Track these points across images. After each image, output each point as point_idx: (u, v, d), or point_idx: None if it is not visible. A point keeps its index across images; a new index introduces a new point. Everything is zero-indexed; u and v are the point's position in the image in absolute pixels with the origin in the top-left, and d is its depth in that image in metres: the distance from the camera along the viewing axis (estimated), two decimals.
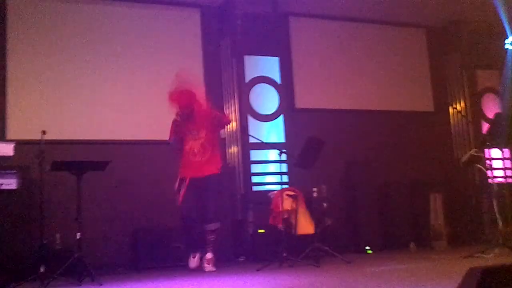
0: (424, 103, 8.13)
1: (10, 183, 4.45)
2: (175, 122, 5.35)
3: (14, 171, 4.55)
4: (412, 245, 6.53)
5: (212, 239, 5.25)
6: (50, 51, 6.12)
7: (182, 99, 5.27)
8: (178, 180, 5.31)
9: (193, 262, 5.27)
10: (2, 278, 4.14)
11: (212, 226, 5.23)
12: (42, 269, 4.33)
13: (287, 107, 6.95)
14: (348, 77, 7.62)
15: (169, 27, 6.78)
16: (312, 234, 5.41)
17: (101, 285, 4.26)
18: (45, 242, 4.67)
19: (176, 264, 5.57)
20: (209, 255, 5.20)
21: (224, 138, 6.68)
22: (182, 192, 5.23)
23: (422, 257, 5.59)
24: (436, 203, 6.85)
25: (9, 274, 4.29)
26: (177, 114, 5.32)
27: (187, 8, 6.89)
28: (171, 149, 5.50)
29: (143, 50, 6.56)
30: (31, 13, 6.09)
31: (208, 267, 5.15)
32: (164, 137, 5.48)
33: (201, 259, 5.27)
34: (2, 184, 4.38)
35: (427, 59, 8.23)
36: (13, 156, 4.43)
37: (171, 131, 5.39)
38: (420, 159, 7.62)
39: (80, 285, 4.30)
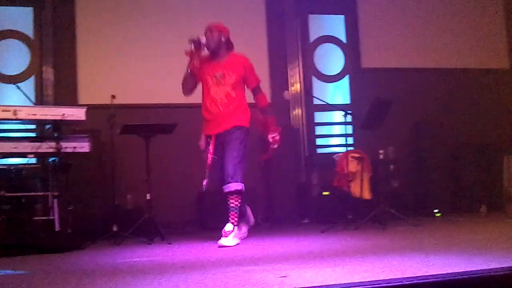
0: (499, 60, 7.68)
1: (83, 146, 4.64)
2: (192, 54, 4.32)
3: (86, 134, 4.74)
4: (483, 208, 6.32)
5: (232, 205, 4.30)
6: (117, 18, 6.25)
7: (212, 29, 4.40)
8: (203, 137, 4.51)
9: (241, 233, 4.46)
10: (78, 238, 4.36)
11: (227, 187, 4.25)
12: (115, 229, 4.55)
13: (352, 67, 6.79)
14: (417, 34, 7.26)
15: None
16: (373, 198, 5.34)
17: (170, 244, 4.42)
18: (117, 202, 4.88)
19: None
20: (227, 227, 4.25)
21: (288, 101, 6.63)
22: (210, 150, 4.39)
23: (493, 220, 5.40)
24: (510, 165, 6.55)
25: (84, 233, 4.52)
26: (194, 42, 4.29)
27: None
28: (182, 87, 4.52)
29: (206, 14, 6.54)
30: None
31: (222, 240, 4.16)
32: None
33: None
34: (76, 147, 4.56)
35: (502, 13, 7.73)
36: (85, 120, 4.59)
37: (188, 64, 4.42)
38: (493, 120, 7.27)
39: (151, 244, 4.47)
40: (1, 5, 5.83)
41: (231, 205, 4.31)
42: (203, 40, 4.32)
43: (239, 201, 4.31)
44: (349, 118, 5.68)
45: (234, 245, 4.14)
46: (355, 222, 4.96)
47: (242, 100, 4.45)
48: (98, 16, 6.17)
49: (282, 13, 6.88)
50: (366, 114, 5.33)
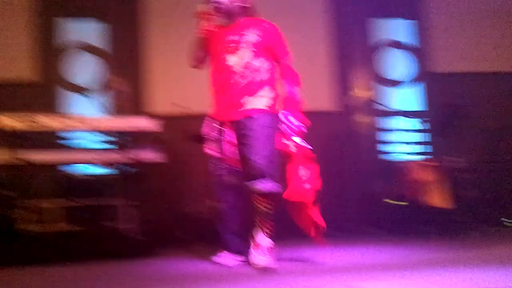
0: None
1: (156, 156, 4.76)
2: (207, 15, 3.43)
3: (158, 144, 4.86)
4: None
5: (264, 209, 3.31)
6: (186, 25, 6.35)
7: None
8: (207, 122, 3.57)
9: (225, 258, 3.51)
10: (151, 245, 4.46)
11: (259, 184, 3.25)
12: (184, 236, 4.63)
13: (423, 72, 6.60)
14: (495, 36, 6.85)
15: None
16: (450, 207, 5.16)
17: (240, 252, 4.43)
18: (188, 211, 4.97)
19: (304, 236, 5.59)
20: (261, 238, 3.32)
21: (353, 107, 6.54)
22: (226, 138, 3.45)
23: None
24: None
25: (156, 241, 4.62)
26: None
27: None
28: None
29: (265, 16, 6.56)
30: None
31: (262, 259, 3.27)
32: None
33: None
34: (149, 157, 4.69)
35: None
36: (158, 130, 4.71)
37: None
38: None
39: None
40: (74, 20, 6.05)
41: (263, 208, 3.31)
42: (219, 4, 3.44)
43: (273, 206, 3.35)
44: (421, 125, 5.53)
45: (273, 265, 3.26)
46: (427, 233, 4.81)
47: (270, 72, 3.46)
48: (166, 28, 6.30)
49: (345, 17, 6.78)
50: (439, 120, 5.18)
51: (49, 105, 5.80)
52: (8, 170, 4.56)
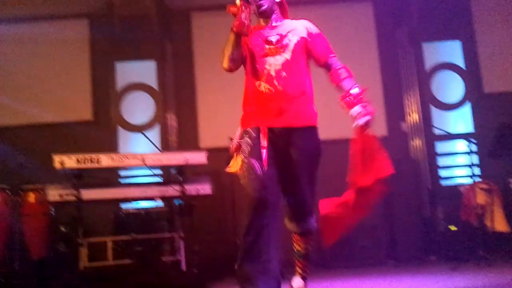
0: None
1: (205, 189, 4.86)
2: (240, 8, 2.82)
3: (208, 177, 4.95)
4: None
5: (304, 250, 3.01)
6: None
7: None
8: (240, 133, 3.00)
9: None
10: (204, 277, 4.51)
11: (305, 224, 2.94)
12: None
13: (473, 93, 6.43)
14: None
15: (343, 23, 6.72)
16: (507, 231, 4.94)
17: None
18: (238, 242, 4.99)
19: (362, 264, 5.51)
20: (297, 282, 3.03)
21: (406, 132, 6.44)
22: (264, 144, 2.84)
23: None
24: None
25: (210, 273, 4.66)
26: None
27: (359, 3, 6.77)
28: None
29: None
30: (214, 24, 6.54)
31: None
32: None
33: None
34: (198, 190, 4.79)
35: None
36: (206, 163, 4.81)
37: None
38: None
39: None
40: (129, 61, 6.33)
41: (303, 250, 3.00)
42: None
43: (313, 245, 3.05)
44: (474, 147, 5.37)
45: None
46: (487, 259, 4.62)
47: (309, 80, 3.02)
48: (215, 63, 6.46)
49: (394, 42, 6.78)
50: (492, 141, 5.02)
51: (107, 144, 6.04)
52: (69, 208, 4.76)
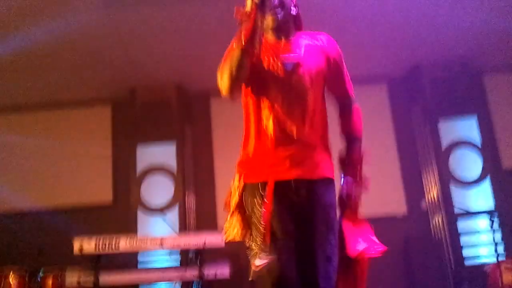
0: None
1: (224, 272, 4.80)
2: (252, 13, 2.15)
3: (227, 260, 4.91)
4: None
5: None
6: None
7: None
8: (237, 185, 2.36)
9: None
10: None
11: None
12: None
13: (492, 169, 6.40)
14: None
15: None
16: None
17: None
18: None
19: None
20: None
21: (427, 211, 6.38)
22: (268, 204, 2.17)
23: None
24: None
25: None
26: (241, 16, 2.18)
27: (374, 84, 6.89)
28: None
29: (333, 127, 6.73)
30: (232, 108, 6.69)
31: None
32: None
33: None
34: (217, 273, 4.74)
35: None
36: (224, 246, 4.78)
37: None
38: None
39: None
40: (150, 143, 6.48)
41: None
42: None
43: None
44: (496, 224, 5.27)
45: None
46: None
47: (326, 118, 2.39)
48: (233, 145, 6.60)
49: (410, 121, 6.85)
50: None
51: (126, 226, 6.07)
52: None
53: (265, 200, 2.18)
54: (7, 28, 5.02)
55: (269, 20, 2.29)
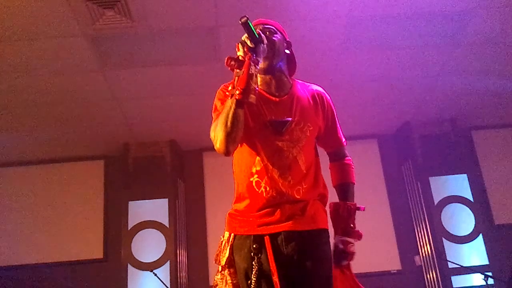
0: None
1: None
2: (243, 62, 2.04)
3: None
4: None
5: None
6: None
7: (269, 24, 2.32)
8: (229, 243, 2.25)
9: None
10: None
11: None
12: None
13: (484, 225, 6.41)
14: None
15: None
16: None
17: None
18: None
19: None
20: None
21: (420, 266, 6.33)
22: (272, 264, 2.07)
23: None
24: None
25: None
26: (253, 38, 2.06)
27: (365, 140, 6.98)
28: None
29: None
30: (224, 163, 6.73)
31: None
32: None
33: None
34: None
35: None
36: None
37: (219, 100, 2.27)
38: None
39: None
40: (142, 200, 6.46)
41: None
42: (264, 40, 2.14)
43: None
44: (490, 280, 5.23)
45: None
46: None
47: (320, 175, 2.31)
48: (225, 201, 6.59)
49: (401, 178, 6.90)
50: (510, 273, 4.91)
51: (116, 282, 5.97)
52: None
53: (259, 256, 2.09)
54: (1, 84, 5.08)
55: (261, 65, 2.16)
